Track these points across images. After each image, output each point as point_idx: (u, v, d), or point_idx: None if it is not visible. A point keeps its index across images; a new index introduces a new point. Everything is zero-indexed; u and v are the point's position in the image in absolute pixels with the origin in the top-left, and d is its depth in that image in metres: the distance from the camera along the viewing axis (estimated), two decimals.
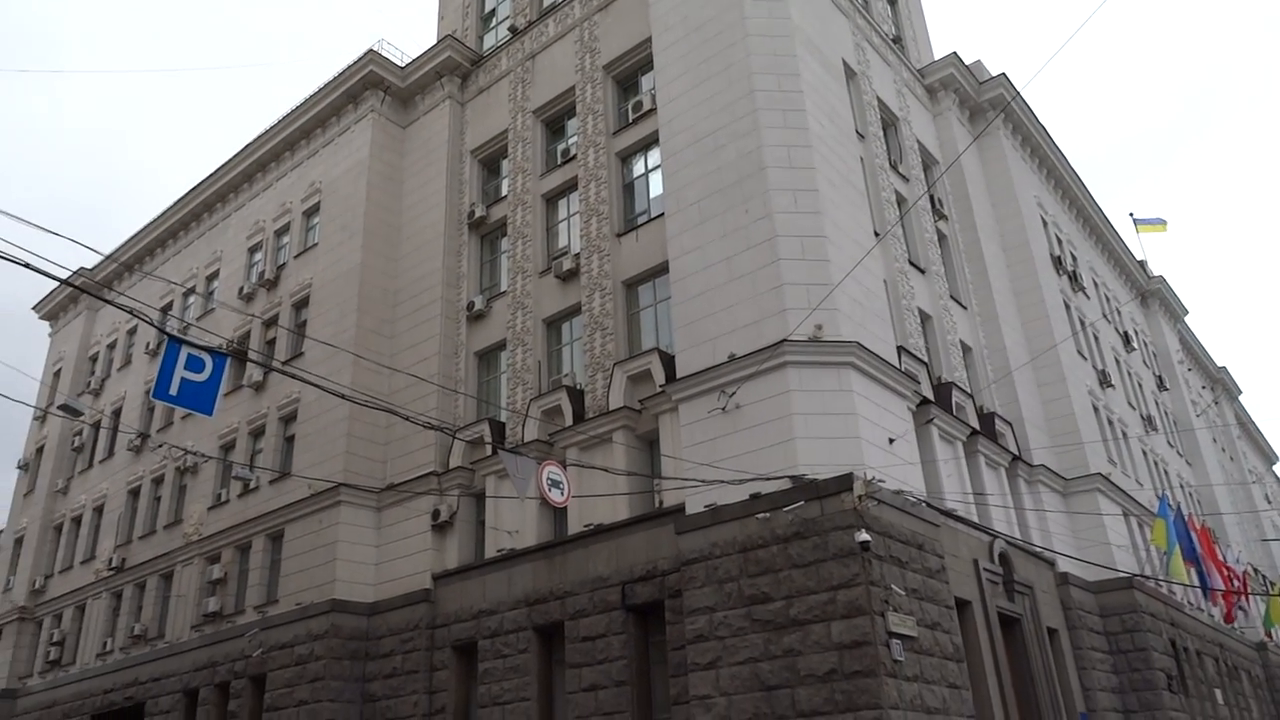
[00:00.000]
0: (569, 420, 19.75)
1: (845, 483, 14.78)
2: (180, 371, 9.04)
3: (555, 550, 18.92)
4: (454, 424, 21.68)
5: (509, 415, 21.38)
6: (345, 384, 20.88)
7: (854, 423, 15.55)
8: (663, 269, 19.84)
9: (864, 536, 14.17)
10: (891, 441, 16.23)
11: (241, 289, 28.25)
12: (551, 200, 23.29)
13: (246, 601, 23.47)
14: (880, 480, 15.19)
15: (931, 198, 24.21)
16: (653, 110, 21.13)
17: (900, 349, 18.50)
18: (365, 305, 24.41)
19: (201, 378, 9.23)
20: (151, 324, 9.69)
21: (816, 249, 16.79)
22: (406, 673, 20.22)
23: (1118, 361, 31.98)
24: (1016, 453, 21.82)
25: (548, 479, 14.24)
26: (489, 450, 21.05)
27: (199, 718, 22.86)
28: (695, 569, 15.81)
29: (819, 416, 15.55)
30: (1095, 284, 32.96)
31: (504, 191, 24.46)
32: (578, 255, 21.49)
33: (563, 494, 14.39)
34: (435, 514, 21.23)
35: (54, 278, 8.86)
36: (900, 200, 22.42)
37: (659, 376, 18.44)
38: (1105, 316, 32.29)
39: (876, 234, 19.80)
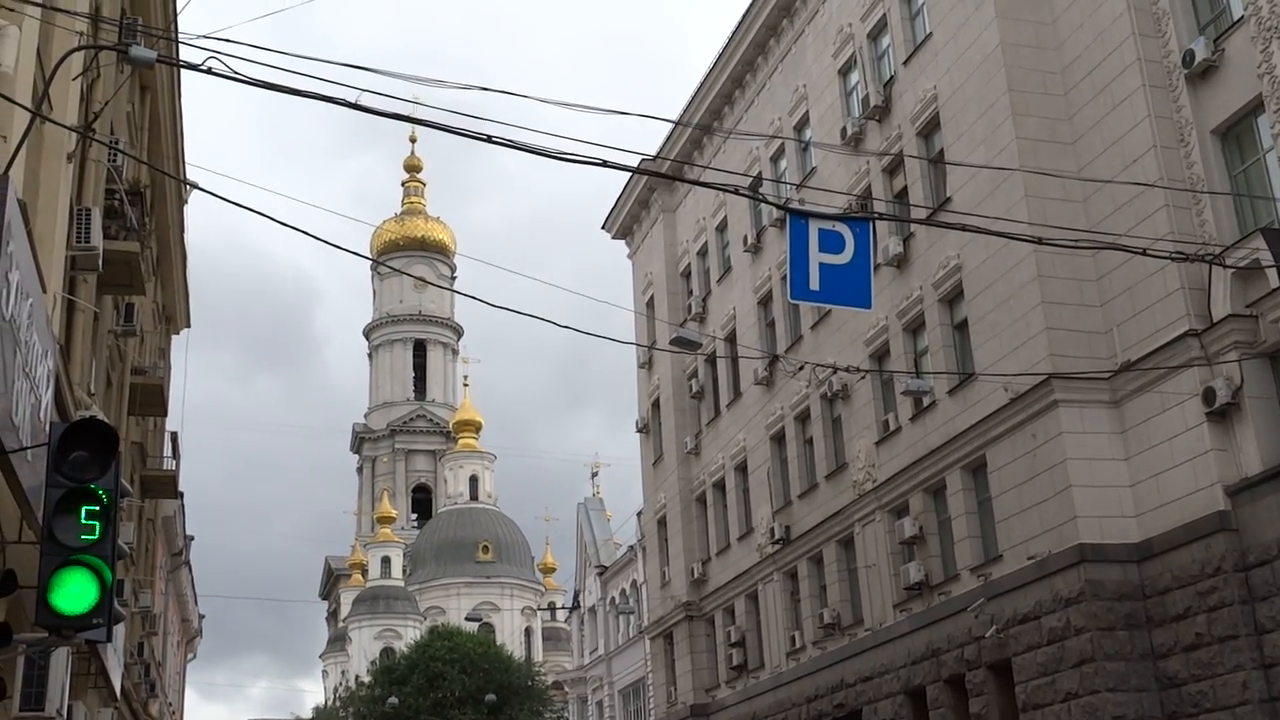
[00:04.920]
0: None
1: None
2: (815, 256, 10.41)
3: None
4: (1208, 248, 21.08)
5: None
6: (1021, 222, 21.63)
7: None
8: None
9: None
10: None
11: (844, 129, 30.65)
12: None
13: (958, 563, 25.78)
14: None
15: None
16: None
17: None
18: (1022, 103, 24.80)
19: (843, 259, 10.53)
20: (755, 197, 11.30)
21: None
22: (1217, 640, 20.50)
23: None
24: None
25: None
26: (1277, 278, 20.12)
27: None
28: None
29: None
30: None
31: None
32: None
33: None
34: (1208, 394, 20.99)
35: (624, 167, 10.82)
36: None
37: None
38: None
39: None
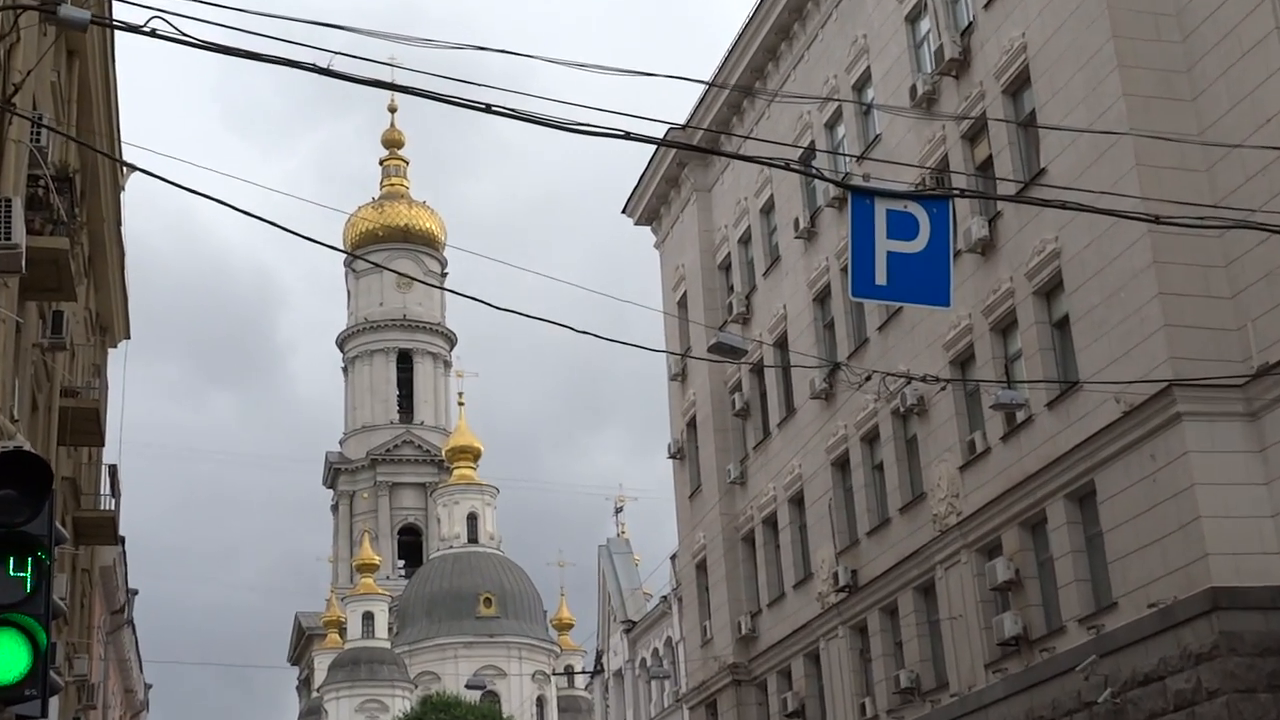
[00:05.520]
0: None
1: None
2: (882, 243, 10.45)
3: None
4: None
5: None
6: (1132, 196, 21.61)
7: None
8: None
9: None
10: None
11: (913, 88, 30.65)
12: None
13: (1063, 612, 25.66)
14: None
15: None
16: None
17: None
18: (1130, 52, 24.76)
19: (916, 246, 10.57)
20: (808, 172, 11.38)
21: None
22: None
23: None
24: None
25: None
26: None
27: None
28: None
29: None
30: None
31: None
32: None
33: None
34: None
35: (649, 139, 10.87)
36: None
37: None
38: None
39: None
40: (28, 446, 14.08)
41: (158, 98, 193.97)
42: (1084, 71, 25.59)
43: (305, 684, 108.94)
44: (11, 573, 8.58)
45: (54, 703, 18.97)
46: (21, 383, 20.41)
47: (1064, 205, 14.87)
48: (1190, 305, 23.55)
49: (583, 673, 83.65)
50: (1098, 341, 25.01)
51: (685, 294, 43.17)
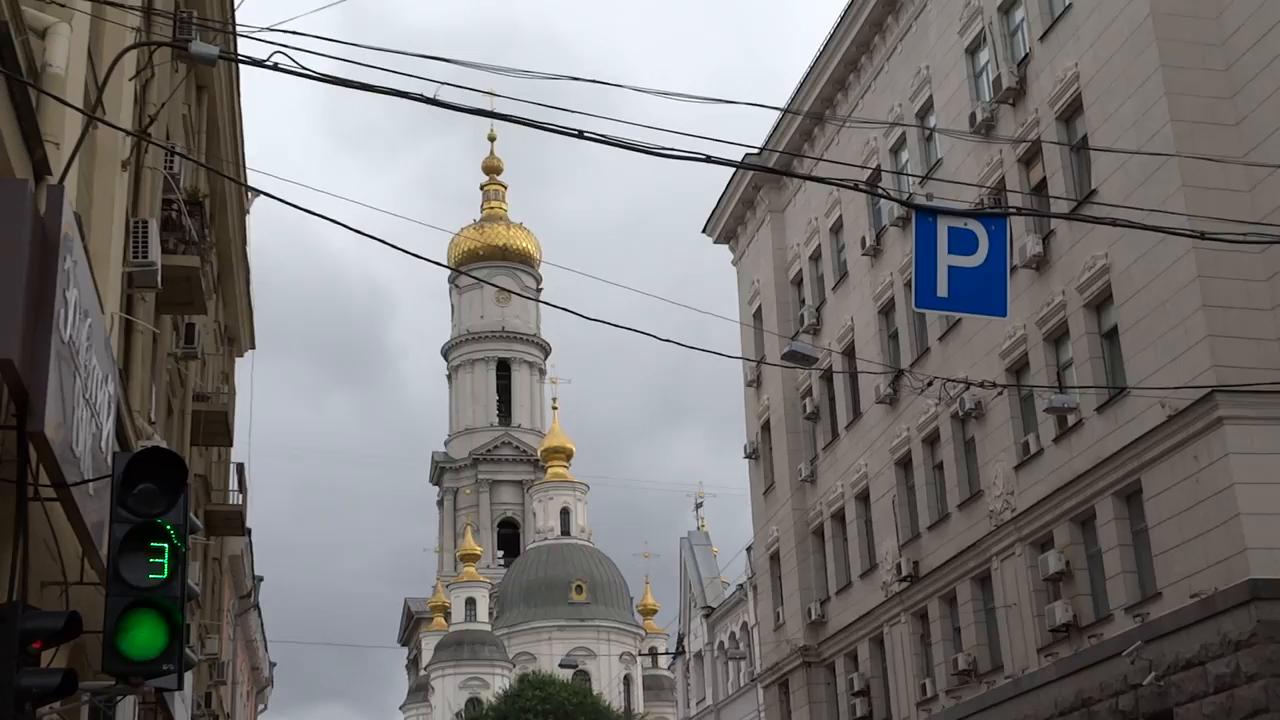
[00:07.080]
0: None
1: None
2: (944, 258, 10.46)
3: None
4: None
5: None
6: (1178, 214, 21.36)
7: None
8: None
9: None
10: None
11: (973, 115, 30.49)
12: None
13: (1110, 602, 25.51)
14: None
15: None
16: None
17: None
18: (1177, 80, 24.57)
19: (975, 261, 10.58)
20: (875, 192, 11.48)
21: None
22: None
23: None
24: None
25: None
26: None
27: None
28: None
29: None
30: None
31: None
32: None
33: None
34: None
35: (728, 162, 10.91)
36: None
37: None
38: None
39: None
40: (164, 445, 14.34)
41: (275, 119, 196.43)
42: (1134, 98, 25.40)
43: (414, 663, 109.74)
44: (150, 559, 8.73)
45: (188, 677, 19.29)
46: (158, 388, 20.72)
47: (1114, 223, 14.74)
48: (1232, 316, 23.34)
49: (666, 654, 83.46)
50: (1145, 350, 24.80)
51: (760, 307, 43.17)
